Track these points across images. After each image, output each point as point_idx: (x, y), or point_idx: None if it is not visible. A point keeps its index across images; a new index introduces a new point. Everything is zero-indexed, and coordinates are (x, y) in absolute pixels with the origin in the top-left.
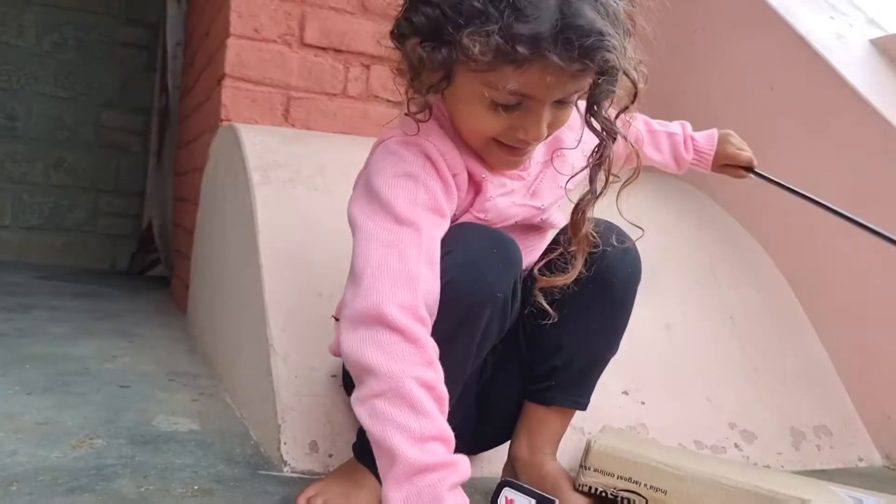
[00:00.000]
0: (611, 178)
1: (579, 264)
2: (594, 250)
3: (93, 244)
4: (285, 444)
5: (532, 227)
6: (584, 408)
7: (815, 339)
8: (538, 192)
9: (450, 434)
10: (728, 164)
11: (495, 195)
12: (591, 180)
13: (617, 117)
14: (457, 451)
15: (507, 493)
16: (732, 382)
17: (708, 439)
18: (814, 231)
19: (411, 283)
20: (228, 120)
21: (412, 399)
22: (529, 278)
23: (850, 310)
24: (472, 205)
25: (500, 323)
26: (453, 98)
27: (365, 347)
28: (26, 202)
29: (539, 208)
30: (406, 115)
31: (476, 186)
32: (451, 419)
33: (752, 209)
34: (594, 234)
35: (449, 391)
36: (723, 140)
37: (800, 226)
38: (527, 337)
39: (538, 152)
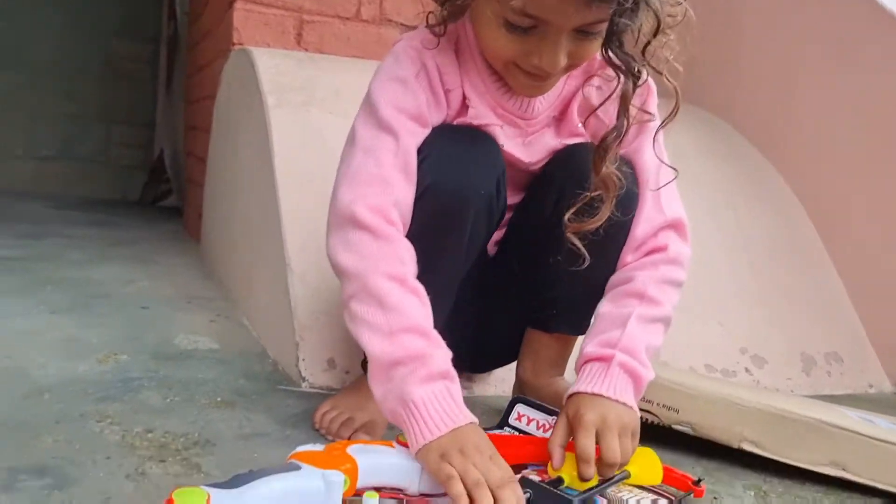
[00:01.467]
0: (643, 115)
1: (608, 208)
2: (623, 189)
3: (104, 174)
4: (303, 360)
5: (523, 170)
6: (584, 332)
7: (831, 267)
8: (531, 147)
9: (425, 326)
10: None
11: (488, 121)
12: (617, 117)
13: (644, 52)
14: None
15: (520, 408)
16: (745, 308)
17: (719, 363)
18: (834, 160)
19: (384, 186)
20: (240, 44)
21: (379, 294)
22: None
23: (866, 239)
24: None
25: (487, 223)
26: (475, 19)
27: (338, 249)
28: (38, 133)
29: (525, 162)
30: (425, 26)
31: (476, 114)
32: (449, 336)
33: (772, 138)
34: (618, 175)
35: (442, 299)
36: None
37: (820, 155)
38: (523, 268)
39: (550, 105)
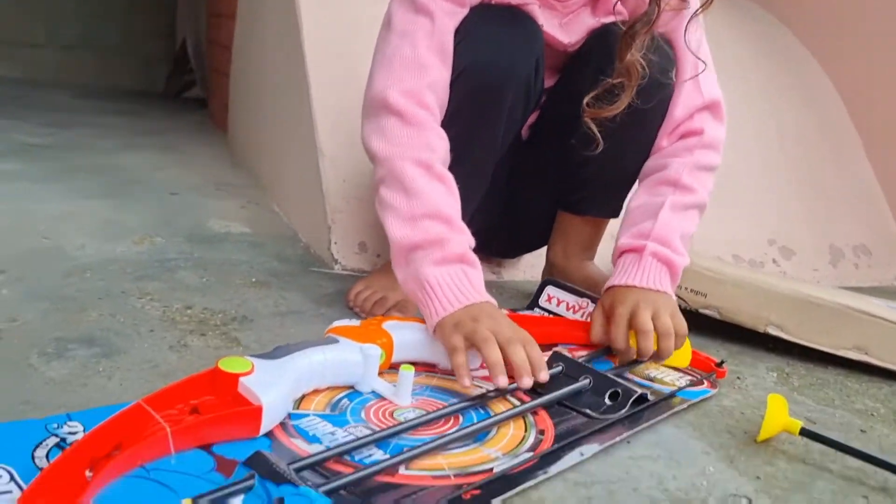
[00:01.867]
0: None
1: (627, 97)
2: (645, 79)
3: (128, 64)
4: (335, 243)
5: (562, 52)
6: (617, 215)
7: (865, 160)
8: (568, 27)
9: (447, 212)
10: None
11: (527, 2)
12: (649, 3)
13: None
14: (490, 252)
15: (550, 290)
16: (776, 199)
17: (746, 253)
18: (874, 51)
19: (419, 70)
20: None
21: (404, 180)
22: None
23: None
24: None
25: (524, 106)
26: None
27: (371, 135)
28: (59, 22)
29: (563, 42)
30: None
31: None
32: (480, 220)
33: (814, 27)
34: (642, 64)
35: (476, 182)
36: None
37: (860, 46)
38: (555, 151)
39: None
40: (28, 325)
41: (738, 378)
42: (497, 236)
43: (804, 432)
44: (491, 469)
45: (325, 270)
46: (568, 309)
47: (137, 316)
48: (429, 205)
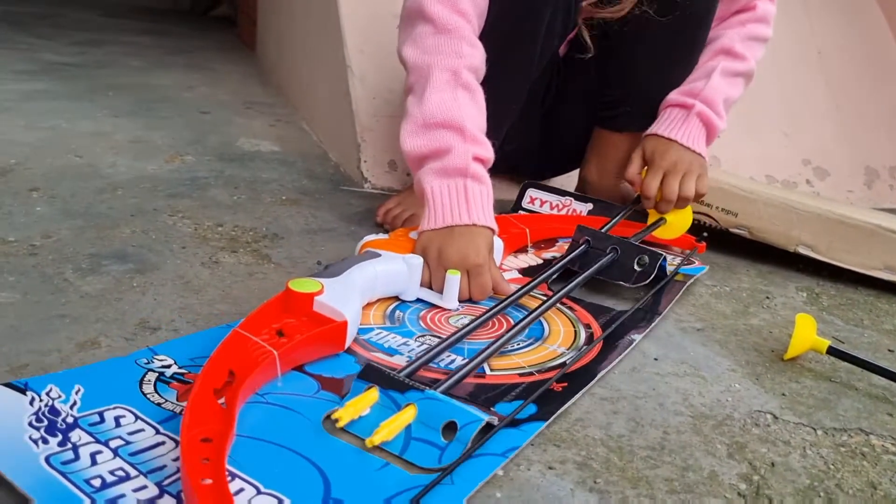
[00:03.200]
0: None
1: (629, 3)
2: None
3: None
4: (365, 162)
5: None
6: None
7: None
8: None
9: (463, 121)
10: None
11: None
12: None
13: None
14: (524, 173)
15: (532, 192)
16: (811, 119)
17: (780, 174)
18: None
19: None
20: None
21: (427, 86)
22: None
23: None
24: None
25: (564, 20)
26: None
27: (405, 44)
28: None
29: None
30: None
31: None
32: (516, 139)
33: None
34: None
35: (516, 92)
36: (677, 153)
37: None
38: (597, 63)
39: None
40: (62, 241)
41: (767, 297)
42: (534, 155)
43: (831, 351)
44: (564, 363)
45: (355, 189)
46: (552, 208)
47: (169, 233)
48: (444, 112)
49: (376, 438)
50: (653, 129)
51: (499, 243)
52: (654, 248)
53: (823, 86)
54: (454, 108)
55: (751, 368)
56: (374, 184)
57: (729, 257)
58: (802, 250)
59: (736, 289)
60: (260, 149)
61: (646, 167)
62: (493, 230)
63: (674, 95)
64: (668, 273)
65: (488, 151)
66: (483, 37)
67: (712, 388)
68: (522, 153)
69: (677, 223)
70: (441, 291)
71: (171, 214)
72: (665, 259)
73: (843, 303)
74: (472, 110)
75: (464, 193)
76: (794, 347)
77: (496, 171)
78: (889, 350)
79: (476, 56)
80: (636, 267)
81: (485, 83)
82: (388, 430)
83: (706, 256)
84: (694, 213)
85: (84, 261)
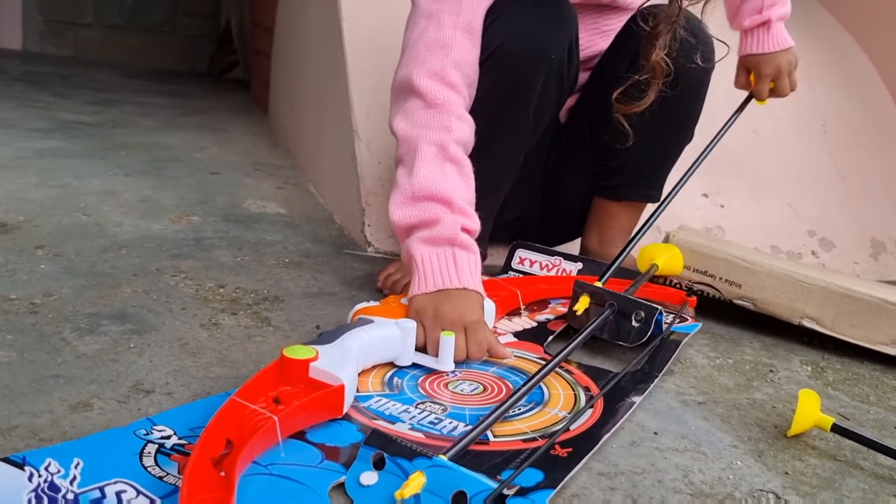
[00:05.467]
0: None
1: (653, 93)
2: (670, 76)
3: (172, 45)
4: (369, 226)
5: (607, 8)
6: (655, 200)
7: None
8: None
9: (451, 193)
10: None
11: None
12: (669, 3)
13: None
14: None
15: (521, 252)
16: (817, 190)
17: (785, 244)
18: None
19: (444, 49)
20: None
21: (415, 159)
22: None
23: None
24: None
25: (558, 88)
26: None
27: (395, 116)
28: (106, 1)
29: None
30: None
31: None
32: (518, 207)
33: (856, 11)
34: (666, 61)
35: (508, 164)
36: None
37: None
38: (593, 132)
39: None
40: (63, 300)
41: (771, 371)
42: (536, 224)
43: (836, 428)
44: (567, 428)
45: (358, 252)
46: (542, 268)
47: (170, 293)
48: (431, 185)
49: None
50: (748, 50)
51: (490, 306)
52: (649, 303)
53: (828, 158)
54: (442, 181)
55: (753, 445)
56: (377, 248)
57: (732, 329)
58: (807, 323)
59: (739, 361)
60: (266, 210)
61: (752, 74)
62: (482, 296)
63: (747, 22)
64: (664, 329)
65: (475, 223)
66: (477, 105)
67: (713, 464)
68: (524, 221)
69: (669, 265)
70: (437, 353)
71: (174, 275)
72: (661, 313)
73: (848, 378)
74: (460, 184)
75: (452, 260)
76: (798, 424)
77: (498, 240)
78: None
79: (464, 129)
80: (633, 322)
81: (480, 151)
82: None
83: (709, 327)
84: (697, 283)
85: (83, 320)
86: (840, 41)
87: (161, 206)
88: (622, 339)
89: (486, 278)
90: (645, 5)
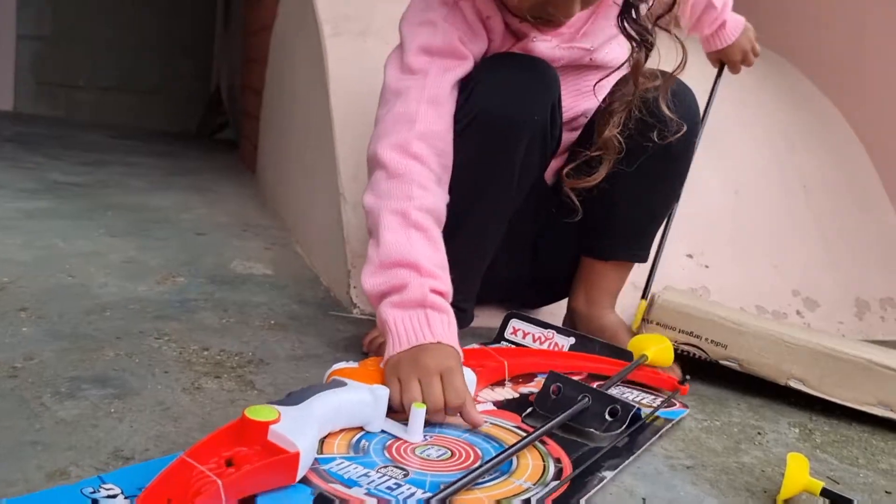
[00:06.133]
0: (645, 83)
1: (604, 170)
2: (621, 154)
3: (163, 106)
4: (354, 288)
5: (587, 67)
6: (643, 260)
7: (890, 211)
8: (588, 34)
9: (417, 258)
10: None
11: (537, 39)
12: (627, 83)
13: (654, 24)
14: (515, 302)
15: (515, 323)
16: (800, 250)
17: (770, 304)
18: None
19: (409, 122)
20: None
21: (379, 229)
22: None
23: None
24: (513, 47)
25: (542, 150)
26: None
27: (365, 190)
28: (99, 64)
29: (587, 49)
30: None
31: (516, 32)
32: (506, 269)
33: (832, 74)
34: (619, 139)
35: (495, 226)
36: (743, 32)
37: (881, 93)
38: (580, 193)
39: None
40: (44, 364)
41: (759, 433)
42: (525, 285)
43: (825, 493)
44: (529, 499)
45: (343, 314)
46: (535, 340)
47: (153, 356)
48: (397, 252)
49: None
50: (714, 47)
51: (471, 376)
52: (627, 400)
53: (810, 219)
54: (408, 247)
55: None
56: (363, 310)
57: (720, 389)
58: (794, 384)
59: (727, 423)
60: (253, 272)
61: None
62: (458, 352)
63: (707, 29)
64: (644, 417)
65: (446, 285)
66: (459, 171)
67: None
68: (513, 283)
69: (660, 357)
70: (415, 401)
71: (158, 337)
72: (640, 410)
73: (837, 440)
74: (427, 249)
75: (425, 320)
76: (787, 489)
77: (488, 302)
78: (886, 492)
79: (428, 197)
80: (607, 416)
81: (464, 216)
82: None
83: (696, 388)
84: (683, 344)
85: (64, 384)
86: (822, 109)
87: (146, 268)
88: (595, 427)
89: (476, 346)
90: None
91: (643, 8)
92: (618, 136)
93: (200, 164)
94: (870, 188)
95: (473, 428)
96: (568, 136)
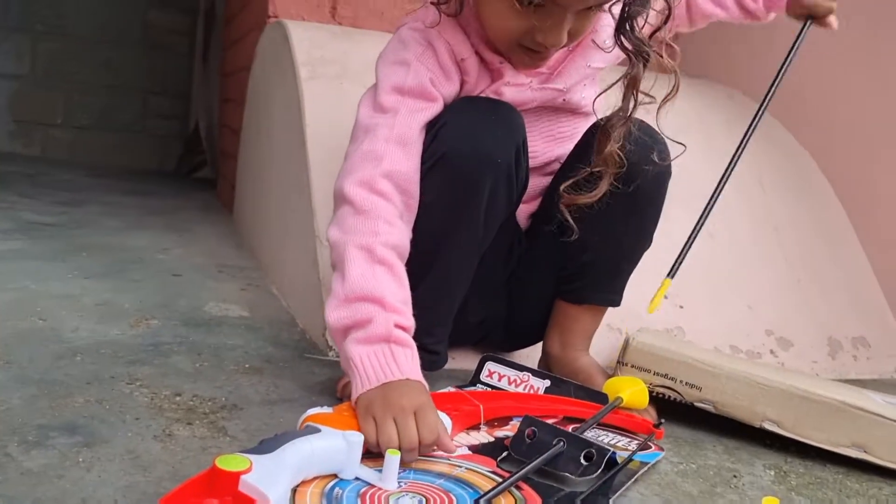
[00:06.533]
0: (643, 97)
1: (604, 185)
2: (623, 168)
3: (141, 145)
4: None
5: (562, 111)
6: (616, 304)
7: (860, 250)
8: (562, 74)
9: (382, 293)
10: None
11: (512, 81)
12: (624, 98)
13: (651, 37)
14: (490, 346)
15: (490, 366)
16: (773, 290)
17: (744, 344)
18: (862, 140)
19: (375, 160)
20: (276, 17)
21: (344, 264)
22: (556, 194)
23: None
24: (487, 88)
25: (508, 192)
26: (479, 2)
27: (330, 224)
28: (76, 102)
29: (560, 90)
30: (431, 2)
31: (493, 73)
32: (481, 311)
33: (800, 117)
34: (620, 154)
35: (463, 266)
36: None
37: (848, 135)
38: (554, 235)
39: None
40: (12, 411)
41: (735, 476)
42: (501, 327)
43: None
44: None
45: (319, 357)
46: (510, 383)
47: (124, 403)
48: (362, 287)
49: None
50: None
51: (447, 420)
52: (602, 444)
53: (782, 259)
54: (374, 282)
55: None
56: (338, 352)
57: (695, 432)
58: (768, 426)
59: (702, 466)
60: (228, 314)
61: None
62: (425, 385)
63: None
64: (620, 461)
65: (409, 321)
66: (427, 210)
67: None
68: (489, 325)
69: (635, 400)
70: (392, 441)
71: (129, 382)
72: (615, 453)
73: (811, 482)
74: (392, 284)
75: (391, 355)
76: None
77: (463, 343)
78: None
79: (393, 233)
80: (583, 460)
81: (433, 256)
82: None
83: (671, 430)
84: (658, 387)
85: (31, 432)
86: (790, 150)
87: (120, 310)
88: (570, 472)
89: (452, 389)
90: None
91: (639, 21)
92: (618, 150)
93: (178, 203)
94: (839, 228)
95: (447, 454)
96: (540, 181)
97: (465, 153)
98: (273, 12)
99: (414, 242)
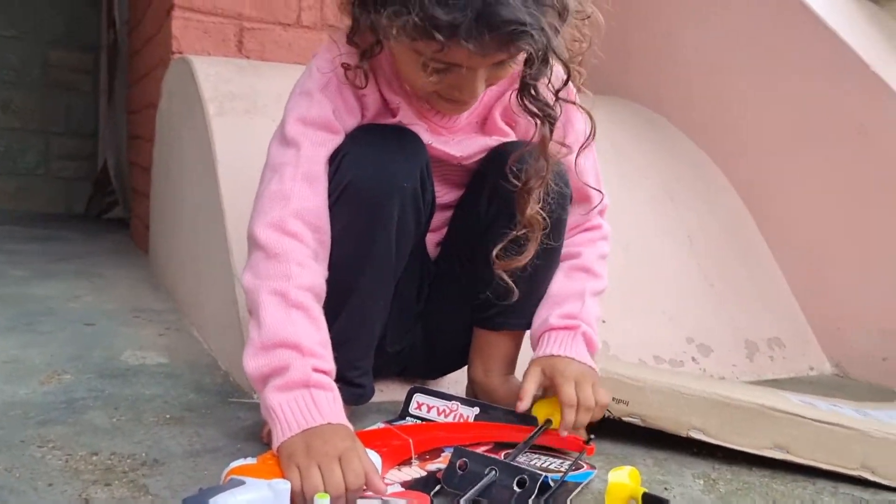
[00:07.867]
0: (559, 149)
1: (533, 247)
2: (548, 228)
3: (46, 188)
4: None
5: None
6: (530, 327)
7: (769, 255)
8: (460, 144)
9: (298, 338)
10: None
11: (407, 122)
12: (537, 159)
13: (556, 100)
14: (413, 374)
15: (418, 398)
16: (690, 299)
17: (666, 354)
18: (768, 151)
19: (284, 200)
20: (180, 52)
21: (259, 310)
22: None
23: (801, 226)
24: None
25: (416, 216)
26: (394, 54)
27: (244, 269)
28: None
29: (456, 157)
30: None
31: (392, 111)
32: (398, 341)
33: (707, 131)
34: (543, 215)
35: (378, 294)
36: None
37: (754, 146)
38: (462, 267)
39: (471, 113)
40: None
41: (666, 489)
42: (417, 357)
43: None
44: None
45: (244, 400)
46: (440, 413)
47: (36, 468)
48: (278, 333)
49: None
50: (545, 351)
51: (376, 458)
52: (534, 469)
53: (696, 268)
54: (289, 327)
55: None
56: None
57: (625, 446)
58: (694, 434)
59: None
60: (146, 361)
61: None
62: (349, 427)
63: (555, 319)
64: (554, 484)
65: (329, 364)
66: (337, 242)
67: None
68: (408, 354)
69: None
70: (317, 488)
71: (41, 445)
72: (547, 477)
73: (739, 487)
74: (308, 328)
75: (311, 400)
76: None
77: (385, 375)
78: None
79: (306, 275)
80: (516, 487)
81: (348, 287)
82: None
83: (602, 447)
84: None
85: None
86: (698, 162)
87: (30, 367)
88: (505, 501)
89: (381, 425)
90: (512, 163)
91: (541, 85)
92: (540, 211)
93: (88, 246)
94: (748, 234)
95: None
96: (444, 215)
97: (370, 180)
98: (177, 48)
99: (329, 276)
